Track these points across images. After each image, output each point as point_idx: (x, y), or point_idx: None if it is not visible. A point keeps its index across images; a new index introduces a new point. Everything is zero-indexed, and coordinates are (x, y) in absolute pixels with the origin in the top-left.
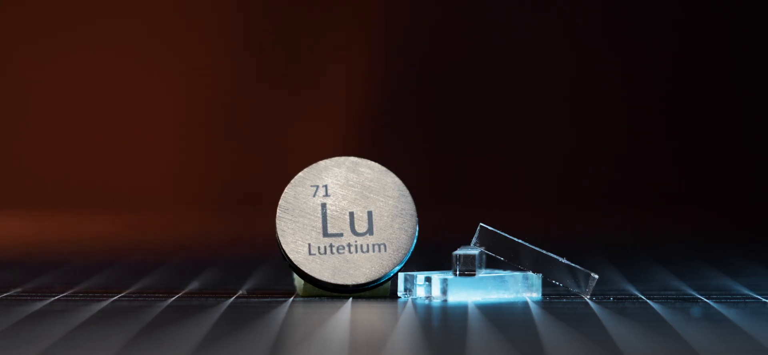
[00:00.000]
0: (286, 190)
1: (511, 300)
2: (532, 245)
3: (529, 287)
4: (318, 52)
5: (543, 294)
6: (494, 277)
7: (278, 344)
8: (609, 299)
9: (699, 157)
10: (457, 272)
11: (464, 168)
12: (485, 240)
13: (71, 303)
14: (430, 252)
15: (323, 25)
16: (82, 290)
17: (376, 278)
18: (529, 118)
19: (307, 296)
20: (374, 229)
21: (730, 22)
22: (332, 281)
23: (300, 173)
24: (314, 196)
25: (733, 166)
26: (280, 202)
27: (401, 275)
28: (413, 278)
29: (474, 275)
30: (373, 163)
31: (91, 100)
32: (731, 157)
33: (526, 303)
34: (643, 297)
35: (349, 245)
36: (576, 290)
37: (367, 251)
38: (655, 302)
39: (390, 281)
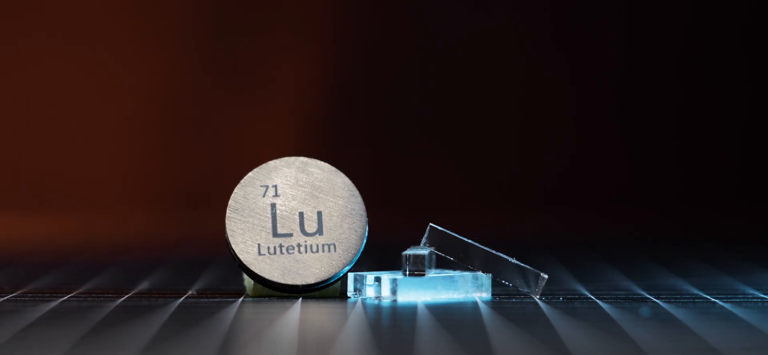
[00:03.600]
0: (235, 190)
1: (461, 300)
2: (482, 245)
3: (479, 287)
4: (267, 53)
5: (493, 294)
6: (444, 277)
7: (227, 343)
8: (558, 298)
9: (648, 158)
10: (407, 272)
11: (414, 168)
12: (435, 240)
13: (20, 304)
14: (380, 252)
15: (272, 27)
16: (30, 290)
17: (326, 278)
18: (477, 119)
19: (257, 296)
20: (324, 229)
21: (680, 23)
22: (282, 281)
23: (250, 173)
24: (264, 196)
25: (682, 167)
26: (230, 202)
27: (351, 275)
28: (363, 278)
29: (423, 275)
30: (322, 163)
31: (39, 100)
32: (680, 158)
33: (475, 303)
34: (592, 297)
35: (298, 245)
36: (526, 290)
37: (317, 251)
38: (605, 301)
39: (339, 281)
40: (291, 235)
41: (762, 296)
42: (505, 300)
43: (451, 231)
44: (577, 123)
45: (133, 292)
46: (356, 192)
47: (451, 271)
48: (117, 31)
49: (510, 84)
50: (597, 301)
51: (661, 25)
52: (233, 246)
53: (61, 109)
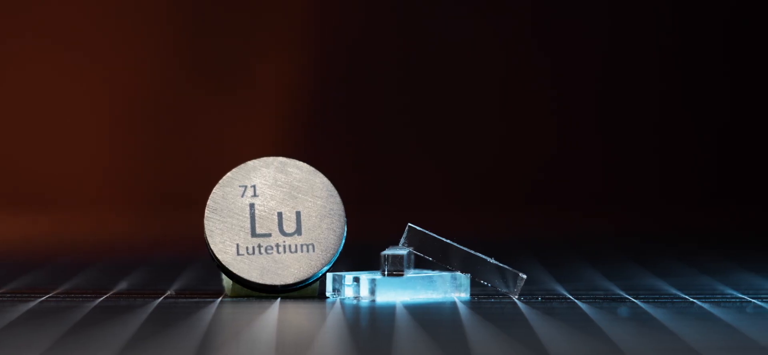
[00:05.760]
0: (214, 190)
1: (440, 300)
2: (461, 245)
3: (458, 287)
4: (248, 54)
5: (471, 294)
6: (423, 277)
7: (205, 343)
8: (537, 299)
9: (627, 158)
10: (386, 273)
11: (393, 169)
12: (414, 240)
13: None
14: (359, 252)
15: (252, 27)
16: (9, 290)
17: (305, 278)
18: (457, 119)
19: (236, 296)
20: (302, 229)
21: (659, 24)
22: (260, 281)
23: (228, 173)
24: (242, 196)
25: (661, 167)
26: (209, 202)
27: (329, 276)
28: (341, 278)
29: (402, 275)
30: (301, 163)
31: (19, 100)
32: (659, 158)
33: (454, 303)
34: (571, 297)
35: (277, 246)
36: (504, 290)
37: (296, 251)
38: (583, 301)
39: (318, 282)
40: (269, 235)
41: (740, 296)
42: (484, 300)
43: (430, 231)
44: (558, 123)
45: (111, 292)
46: (335, 192)
47: (429, 271)
48: (97, 31)
49: (490, 84)
50: (576, 301)
51: (642, 24)
52: (212, 246)
53: (41, 109)
